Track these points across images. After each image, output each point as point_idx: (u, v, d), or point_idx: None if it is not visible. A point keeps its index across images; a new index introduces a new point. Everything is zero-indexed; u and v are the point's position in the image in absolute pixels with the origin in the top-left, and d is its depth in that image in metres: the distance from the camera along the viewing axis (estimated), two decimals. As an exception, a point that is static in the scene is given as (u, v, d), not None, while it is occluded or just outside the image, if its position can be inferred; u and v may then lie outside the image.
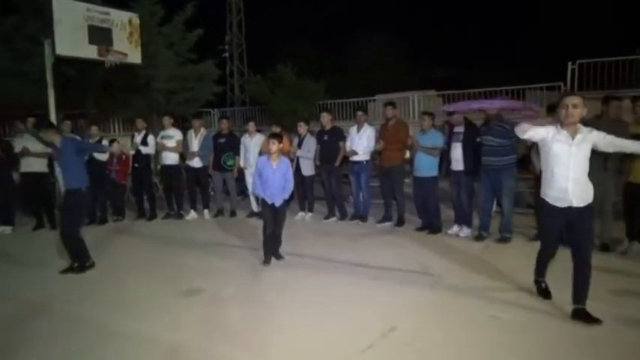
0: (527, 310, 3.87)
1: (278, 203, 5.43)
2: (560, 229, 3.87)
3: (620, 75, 11.55)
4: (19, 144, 7.45)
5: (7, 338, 3.67)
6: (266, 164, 5.43)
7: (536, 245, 5.65)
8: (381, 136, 7.15)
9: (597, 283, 4.33)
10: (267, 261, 5.40)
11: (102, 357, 3.34)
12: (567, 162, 3.58)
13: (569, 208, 3.64)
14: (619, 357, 3.10)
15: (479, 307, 3.96)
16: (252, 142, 8.03)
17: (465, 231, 6.43)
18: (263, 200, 5.46)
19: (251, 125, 8.25)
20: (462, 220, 6.48)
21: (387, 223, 7.21)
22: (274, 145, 5.41)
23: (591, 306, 3.61)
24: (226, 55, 23.09)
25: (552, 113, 5.72)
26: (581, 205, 3.63)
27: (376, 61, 22.59)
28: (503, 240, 6.03)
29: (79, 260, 5.26)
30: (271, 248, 5.48)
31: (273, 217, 5.44)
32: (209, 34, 15.63)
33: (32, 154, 7.36)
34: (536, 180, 5.98)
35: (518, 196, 6.95)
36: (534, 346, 3.26)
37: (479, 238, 6.17)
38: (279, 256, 5.53)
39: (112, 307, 4.27)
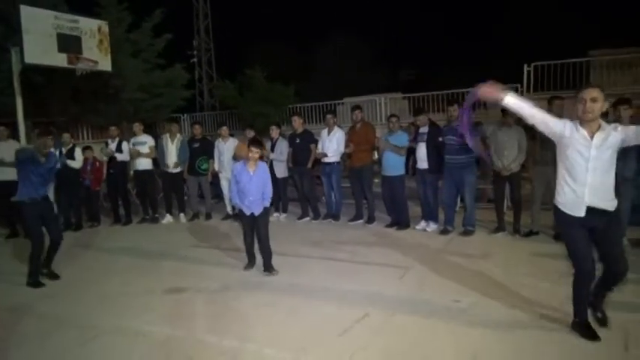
0: (483, 294, 4.25)
1: (258, 212, 5.15)
2: (586, 239, 3.23)
3: (573, 76, 12.26)
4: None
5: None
6: (242, 171, 5.15)
7: (497, 238, 6.15)
8: (349, 138, 7.49)
9: (553, 268, 4.80)
10: (248, 267, 5.32)
11: (92, 351, 3.53)
12: (585, 165, 3.11)
13: (590, 216, 3.15)
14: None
15: (443, 293, 4.32)
16: (225, 146, 8.24)
17: (432, 226, 6.83)
18: (241, 210, 5.21)
19: (224, 130, 8.46)
20: (429, 215, 6.88)
21: (359, 221, 7.55)
22: (256, 154, 5.12)
23: (549, 289, 4.00)
24: (195, 60, 23.09)
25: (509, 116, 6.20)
26: (605, 209, 3.15)
27: (343, 64, 23.01)
28: (466, 233, 6.44)
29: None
30: (254, 257, 5.34)
31: (253, 227, 5.22)
32: (177, 40, 15.69)
33: (6, 163, 7.35)
34: (495, 176, 6.47)
35: (479, 191, 7.41)
36: (493, 324, 3.62)
37: (444, 232, 6.58)
38: (271, 269, 5.16)
39: (97, 306, 4.43)
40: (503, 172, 6.22)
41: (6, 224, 7.80)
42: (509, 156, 6.16)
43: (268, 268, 5.17)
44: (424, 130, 6.75)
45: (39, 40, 8.38)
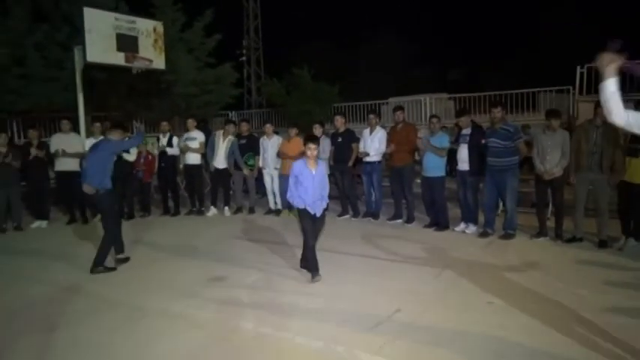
0: (519, 298, 4.24)
1: (319, 213, 4.93)
2: None
3: (629, 78, 11.73)
4: (54, 145, 8.00)
5: (46, 315, 4.16)
6: (304, 170, 4.86)
7: (538, 242, 6.07)
8: (390, 138, 7.55)
9: (594, 276, 4.72)
10: (315, 276, 4.84)
11: (140, 330, 3.81)
12: None
13: None
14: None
15: (478, 294, 4.34)
16: (269, 143, 8.49)
17: (472, 228, 6.80)
18: (303, 211, 4.88)
19: (268, 127, 8.72)
20: (469, 217, 6.85)
21: (398, 221, 7.61)
22: (314, 151, 4.88)
23: (586, 296, 3.98)
24: (244, 59, 23.68)
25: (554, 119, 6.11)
26: None
27: (389, 64, 22.95)
28: (506, 236, 6.37)
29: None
30: (317, 262, 4.91)
31: (314, 228, 4.94)
32: (227, 39, 16.19)
33: (67, 154, 7.91)
34: (537, 180, 6.37)
35: (522, 195, 7.29)
36: (523, 327, 3.63)
37: (484, 234, 6.54)
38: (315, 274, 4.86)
39: (144, 290, 4.75)
40: (545, 176, 6.12)
41: (67, 211, 8.36)
42: (551, 160, 6.05)
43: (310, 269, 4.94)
44: (466, 131, 6.73)
45: (100, 40, 8.93)
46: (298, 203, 4.89)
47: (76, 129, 8.89)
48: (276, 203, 8.63)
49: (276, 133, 8.98)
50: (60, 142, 8.01)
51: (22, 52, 11.32)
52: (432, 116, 7.57)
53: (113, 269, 5.46)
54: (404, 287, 4.60)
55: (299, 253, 5.53)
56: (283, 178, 8.39)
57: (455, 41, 26.19)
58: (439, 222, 7.05)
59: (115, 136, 5.74)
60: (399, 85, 18.50)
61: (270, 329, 3.72)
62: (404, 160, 7.41)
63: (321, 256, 5.51)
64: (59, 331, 3.83)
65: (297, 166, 4.92)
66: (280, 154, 8.34)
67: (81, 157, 8.09)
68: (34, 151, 7.75)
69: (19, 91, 11.37)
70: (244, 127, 8.88)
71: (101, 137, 8.04)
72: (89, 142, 8.26)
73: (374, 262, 5.49)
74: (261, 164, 8.60)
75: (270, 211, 8.59)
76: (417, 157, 7.90)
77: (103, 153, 5.56)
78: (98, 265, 5.34)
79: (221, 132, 8.74)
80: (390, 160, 7.71)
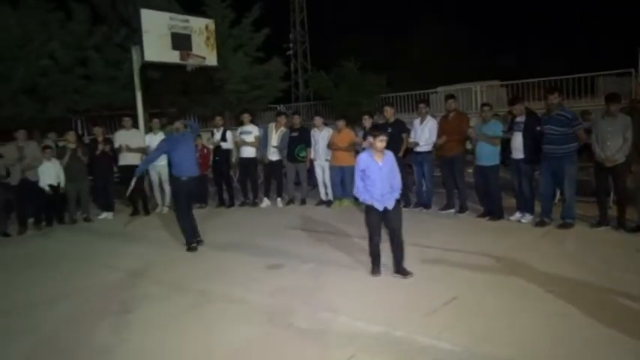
0: (578, 286, 4.17)
1: (391, 205, 4.63)
2: None
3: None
4: (118, 141, 8.48)
5: (121, 299, 4.47)
6: (370, 163, 4.63)
7: (599, 232, 5.90)
8: (441, 127, 7.48)
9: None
10: (375, 271, 4.74)
11: (205, 314, 4.05)
12: None
13: None
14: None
15: (537, 282, 4.29)
16: (320, 135, 8.62)
17: (527, 217, 6.66)
18: (369, 207, 4.66)
19: (317, 119, 8.86)
20: (524, 207, 6.72)
21: (450, 210, 7.56)
22: (383, 142, 4.60)
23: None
24: (291, 52, 23.95)
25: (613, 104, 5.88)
26: None
27: (438, 51, 22.53)
28: (565, 226, 6.21)
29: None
30: (379, 258, 4.79)
31: (380, 224, 4.70)
32: (274, 33, 16.42)
33: (130, 149, 8.36)
34: (597, 167, 6.16)
35: (581, 184, 7.06)
36: (583, 315, 3.58)
37: (540, 223, 6.40)
38: (405, 272, 4.63)
39: (207, 276, 5.01)
40: (606, 163, 5.91)
41: (130, 203, 8.84)
42: (612, 146, 5.83)
43: (401, 269, 4.67)
44: (520, 119, 6.58)
45: (156, 40, 9.34)
46: (365, 199, 4.66)
47: (135, 126, 9.36)
48: (327, 194, 8.77)
49: (326, 125, 9.10)
50: (123, 138, 8.48)
51: (83, 53, 11.96)
52: (483, 104, 7.45)
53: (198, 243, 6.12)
54: (460, 275, 4.62)
55: (352, 243, 5.62)
56: (334, 170, 8.53)
57: (505, 26, 25.35)
58: (493, 211, 6.96)
59: (181, 127, 6.14)
60: (448, 74, 18.15)
61: (329, 314, 3.85)
62: (455, 149, 7.35)
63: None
64: (133, 313, 4.13)
65: (363, 159, 4.66)
66: (331, 146, 8.46)
67: (142, 151, 8.54)
68: (101, 146, 8.24)
69: (82, 91, 12.06)
70: (296, 120, 9.07)
71: (160, 132, 8.51)
72: (148, 138, 8.74)
73: (428, 251, 5.52)
74: (312, 156, 8.75)
75: (321, 202, 8.74)
76: (468, 147, 7.82)
77: (191, 143, 6.10)
78: (189, 244, 6.00)
79: (273, 124, 8.95)
80: (440, 149, 7.65)
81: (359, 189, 4.70)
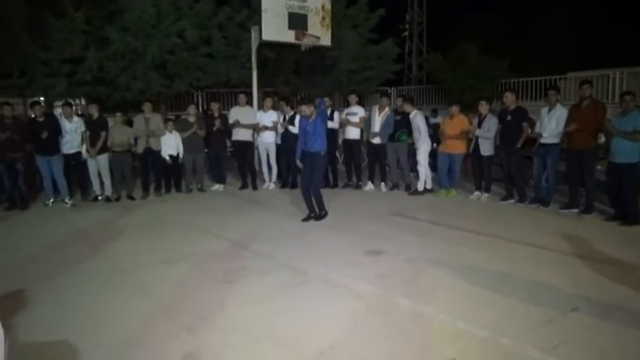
0: None
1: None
2: None
3: None
4: (232, 116, 8.84)
5: (223, 268, 4.60)
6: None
7: None
8: (571, 116, 6.69)
9: None
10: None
11: (301, 294, 4.04)
12: None
13: None
14: None
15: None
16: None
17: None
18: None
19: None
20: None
21: (573, 210, 6.81)
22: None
23: None
24: (406, 34, 23.22)
25: None
26: None
27: (569, 32, 20.26)
28: None
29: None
30: None
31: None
32: (390, 14, 15.92)
33: (242, 125, 8.69)
34: None
35: None
36: None
37: (687, 234, 5.50)
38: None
39: (306, 255, 5.01)
40: None
41: (240, 177, 9.22)
42: None
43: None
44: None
45: (274, 19, 9.54)
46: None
47: (249, 103, 9.68)
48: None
49: (435, 111, 8.65)
50: (237, 114, 8.82)
51: (207, 33, 12.60)
52: (624, 93, 6.51)
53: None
54: (582, 285, 4.09)
55: (455, 235, 5.26)
56: (442, 157, 8.11)
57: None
58: (627, 215, 6.12)
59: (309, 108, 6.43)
60: (580, 58, 16.31)
61: (430, 309, 3.63)
62: (586, 141, 6.51)
63: (482, 242, 5.25)
64: (234, 284, 4.25)
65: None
66: (441, 134, 8.06)
67: (254, 128, 8.82)
68: (217, 123, 8.64)
69: (204, 69, 12.74)
70: (400, 103, 8.74)
71: (270, 110, 8.75)
72: (259, 115, 9.00)
73: (544, 254, 4.98)
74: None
75: (425, 190, 8.38)
76: (600, 140, 6.95)
77: (323, 123, 6.50)
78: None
79: (377, 107, 8.72)
80: (568, 141, 6.87)
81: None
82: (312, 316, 3.61)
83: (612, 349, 3.01)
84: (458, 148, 7.99)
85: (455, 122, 7.98)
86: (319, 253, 5.15)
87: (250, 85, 10.72)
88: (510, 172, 7.51)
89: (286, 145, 8.96)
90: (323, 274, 4.46)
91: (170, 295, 4.06)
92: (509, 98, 7.56)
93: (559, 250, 5.07)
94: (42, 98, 11.47)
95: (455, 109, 8.09)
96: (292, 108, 8.99)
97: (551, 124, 6.92)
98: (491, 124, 7.57)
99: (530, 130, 7.28)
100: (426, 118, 8.60)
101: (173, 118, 8.86)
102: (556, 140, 6.97)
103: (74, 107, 9.59)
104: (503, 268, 4.53)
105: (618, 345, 3.05)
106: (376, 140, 8.56)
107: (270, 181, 9.20)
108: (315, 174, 6.54)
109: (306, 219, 6.55)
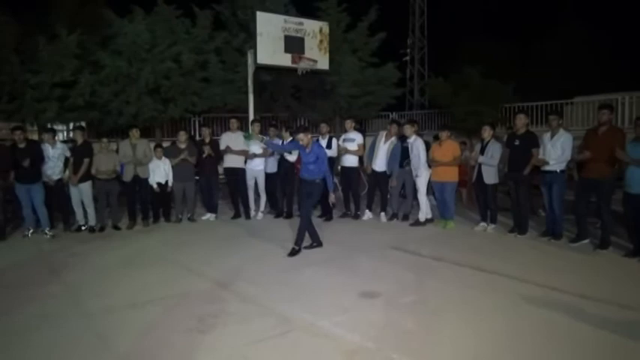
0: None
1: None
2: None
3: None
4: (223, 142, 8.44)
5: (201, 315, 4.12)
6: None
7: None
8: (586, 143, 6.21)
9: None
10: None
11: (284, 345, 3.54)
12: None
13: None
14: None
15: None
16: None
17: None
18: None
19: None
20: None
21: (584, 241, 6.29)
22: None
23: None
24: (407, 58, 23.02)
25: None
26: None
27: (576, 57, 19.96)
28: None
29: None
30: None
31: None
32: (391, 38, 15.69)
33: (233, 151, 8.28)
34: None
35: None
36: None
37: None
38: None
39: (291, 298, 4.50)
40: None
41: (232, 206, 8.77)
42: None
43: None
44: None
45: (269, 43, 9.25)
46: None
47: (244, 128, 9.30)
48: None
49: (437, 137, 8.22)
50: (228, 140, 8.42)
51: (203, 57, 12.37)
52: (638, 118, 6.06)
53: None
54: (598, 335, 3.57)
55: (460, 273, 4.78)
56: (435, 186, 7.66)
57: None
58: (647, 251, 5.60)
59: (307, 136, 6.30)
60: (587, 82, 15.94)
61: (428, 370, 3.12)
62: (602, 171, 5.99)
63: (486, 281, 4.75)
64: (208, 334, 3.74)
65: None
66: (430, 161, 7.61)
67: (244, 154, 8.39)
68: (207, 149, 8.25)
69: (200, 93, 12.46)
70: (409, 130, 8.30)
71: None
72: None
73: (557, 297, 4.46)
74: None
75: (427, 221, 7.88)
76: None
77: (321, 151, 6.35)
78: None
79: (384, 133, 8.31)
80: (583, 169, 6.37)
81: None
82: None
83: None
84: (450, 176, 7.53)
85: (444, 148, 7.54)
86: (308, 295, 4.64)
87: (247, 110, 10.37)
88: (519, 201, 7.00)
89: (282, 172, 8.56)
90: (310, 322, 3.95)
91: (131, 347, 3.56)
92: (522, 121, 7.01)
93: (573, 292, 4.53)
94: (34, 123, 11.19)
95: (444, 134, 7.67)
96: (291, 134, 8.61)
97: (556, 150, 6.46)
98: (495, 150, 7.13)
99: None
100: (427, 144, 8.15)
101: (162, 145, 8.45)
102: (562, 167, 6.50)
103: (57, 133, 9.20)
104: (513, 315, 4.02)
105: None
106: (378, 167, 8.12)
107: (259, 210, 8.73)
108: (308, 201, 6.36)
109: (309, 247, 6.36)
